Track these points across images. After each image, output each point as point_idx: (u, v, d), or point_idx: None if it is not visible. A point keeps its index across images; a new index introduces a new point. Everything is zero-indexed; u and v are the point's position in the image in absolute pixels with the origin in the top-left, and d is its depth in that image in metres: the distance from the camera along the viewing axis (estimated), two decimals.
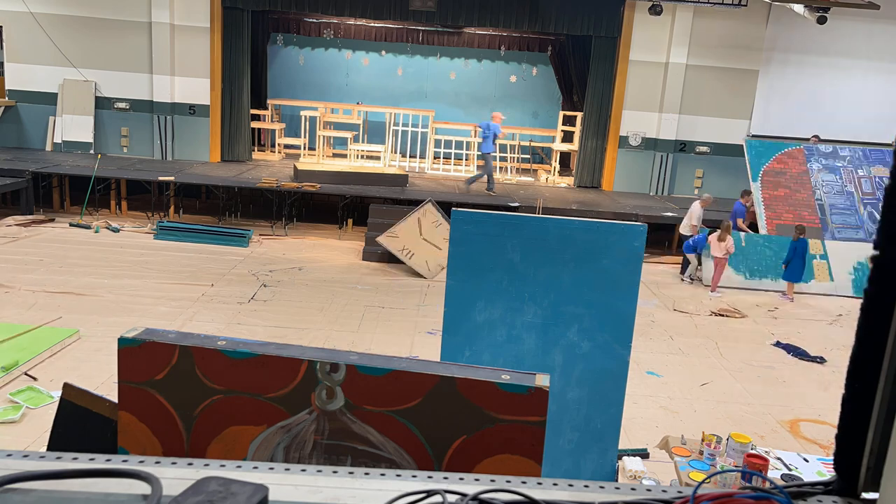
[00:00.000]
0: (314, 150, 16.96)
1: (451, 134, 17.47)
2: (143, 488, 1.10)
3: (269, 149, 17.27)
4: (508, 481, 1.19)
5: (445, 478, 1.20)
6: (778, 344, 9.13)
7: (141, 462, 1.20)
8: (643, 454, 5.88)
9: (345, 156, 17.32)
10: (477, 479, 1.19)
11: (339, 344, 7.87)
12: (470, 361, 3.09)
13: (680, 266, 12.46)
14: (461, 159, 17.31)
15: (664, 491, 1.18)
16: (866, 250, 11.64)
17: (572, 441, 3.82)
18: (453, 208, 3.83)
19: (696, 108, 15.57)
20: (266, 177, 13.63)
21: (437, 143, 17.14)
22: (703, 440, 4.70)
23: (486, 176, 14.28)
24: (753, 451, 4.44)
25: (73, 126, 15.15)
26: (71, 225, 12.47)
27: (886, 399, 1.05)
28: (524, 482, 1.19)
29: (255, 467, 1.21)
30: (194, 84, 15.30)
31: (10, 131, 15.29)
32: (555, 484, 1.20)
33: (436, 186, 14.44)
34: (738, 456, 4.34)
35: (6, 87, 15.28)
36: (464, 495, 1.10)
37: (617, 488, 1.19)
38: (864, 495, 1.11)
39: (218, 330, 7.99)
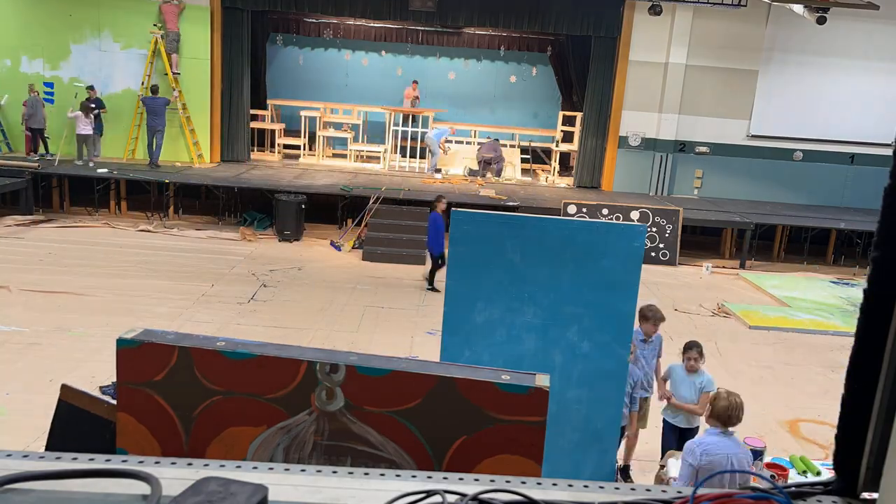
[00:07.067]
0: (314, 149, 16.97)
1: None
2: (142, 488, 1.10)
3: (269, 149, 17.26)
4: (508, 481, 1.18)
5: (445, 478, 1.20)
6: None
7: (140, 462, 1.20)
8: None
9: (345, 156, 17.32)
10: (477, 480, 1.19)
11: (339, 344, 7.86)
12: (470, 362, 3.09)
13: None
14: None
15: (664, 491, 1.18)
16: None
17: (572, 441, 3.82)
18: (453, 208, 3.83)
19: (695, 108, 15.56)
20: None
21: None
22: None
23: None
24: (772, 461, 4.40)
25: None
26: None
27: (886, 399, 1.05)
28: (524, 482, 1.19)
29: (255, 467, 1.20)
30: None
31: None
32: (555, 484, 1.20)
33: (436, 186, 14.43)
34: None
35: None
36: (463, 495, 1.10)
37: (617, 488, 1.19)
38: (864, 495, 1.11)
39: (217, 330, 7.98)
